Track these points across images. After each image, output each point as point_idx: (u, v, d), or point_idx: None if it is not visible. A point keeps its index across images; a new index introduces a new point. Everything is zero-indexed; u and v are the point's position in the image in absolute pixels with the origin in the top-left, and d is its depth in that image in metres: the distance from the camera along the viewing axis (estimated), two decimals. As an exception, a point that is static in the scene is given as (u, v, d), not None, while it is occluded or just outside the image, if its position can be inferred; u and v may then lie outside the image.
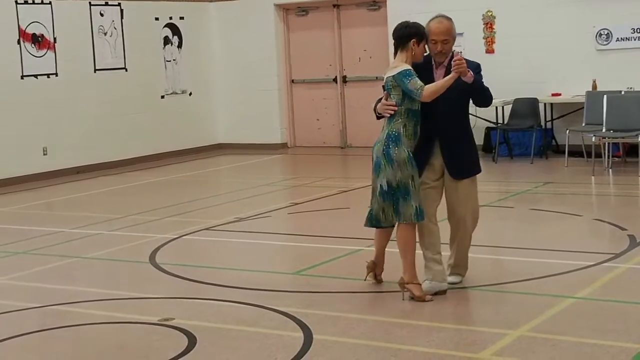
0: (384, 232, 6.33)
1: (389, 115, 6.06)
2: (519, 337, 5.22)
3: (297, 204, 10.26)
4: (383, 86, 6.15)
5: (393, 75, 6.02)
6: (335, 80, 15.52)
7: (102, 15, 14.14)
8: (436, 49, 6.09)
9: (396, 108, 6.02)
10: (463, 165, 6.21)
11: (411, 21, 6.21)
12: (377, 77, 13.82)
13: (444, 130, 6.13)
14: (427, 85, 5.95)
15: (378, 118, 6.28)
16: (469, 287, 6.28)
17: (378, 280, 6.45)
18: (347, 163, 14.43)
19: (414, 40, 6.03)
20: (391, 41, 6.30)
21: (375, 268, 6.43)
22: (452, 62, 5.94)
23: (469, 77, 5.91)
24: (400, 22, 6.22)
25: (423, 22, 6.23)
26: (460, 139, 6.20)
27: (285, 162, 14.77)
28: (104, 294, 6.61)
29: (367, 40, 15.04)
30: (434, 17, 6.20)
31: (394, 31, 6.15)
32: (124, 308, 6.25)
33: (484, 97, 6.15)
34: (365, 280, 6.41)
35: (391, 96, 6.06)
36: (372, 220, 6.24)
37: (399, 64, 6.05)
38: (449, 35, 6.09)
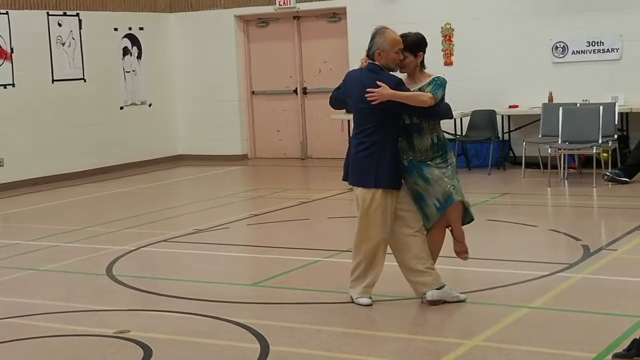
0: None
1: None
2: (473, 346, 5.27)
3: (256, 215, 10.26)
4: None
5: None
6: (295, 91, 15.55)
7: (60, 25, 14.06)
8: None
9: None
10: None
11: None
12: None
13: None
14: None
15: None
16: (426, 298, 6.31)
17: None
18: (307, 174, 14.44)
19: None
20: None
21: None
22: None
23: None
24: (406, 32, 6.38)
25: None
26: None
27: (246, 174, 14.76)
28: (60, 307, 6.56)
29: (327, 51, 15.08)
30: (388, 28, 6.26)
31: (421, 40, 6.36)
32: (80, 320, 6.21)
33: None
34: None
35: None
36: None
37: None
38: None
